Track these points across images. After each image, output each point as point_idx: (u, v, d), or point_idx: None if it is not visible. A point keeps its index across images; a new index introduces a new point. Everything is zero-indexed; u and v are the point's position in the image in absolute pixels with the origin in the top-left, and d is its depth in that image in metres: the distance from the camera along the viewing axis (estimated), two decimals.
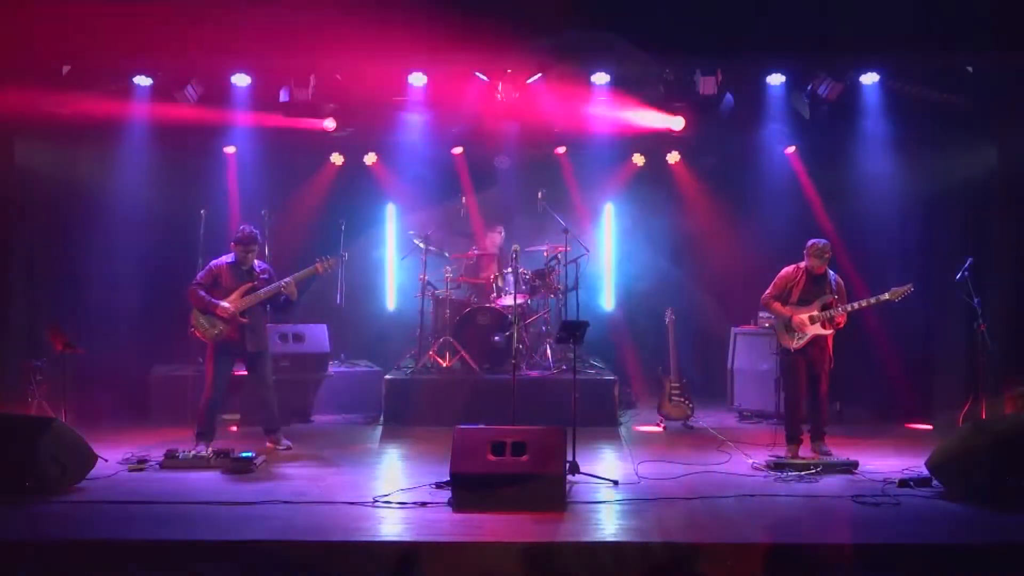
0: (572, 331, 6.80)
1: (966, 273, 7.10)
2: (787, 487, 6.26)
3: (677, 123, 9.33)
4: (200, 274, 7.36)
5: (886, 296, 6.89)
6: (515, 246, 8.92)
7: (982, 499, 5.85)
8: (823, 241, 7.13)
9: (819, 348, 7.05)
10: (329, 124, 9.46)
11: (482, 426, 6.14)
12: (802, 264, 7.20)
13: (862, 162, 9.35)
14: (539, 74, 8.26)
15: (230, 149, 9.80)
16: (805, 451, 7.15)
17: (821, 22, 7.02)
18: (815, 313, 7.01)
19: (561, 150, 10.52)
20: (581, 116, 9.54)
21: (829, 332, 6.99)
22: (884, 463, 6.90)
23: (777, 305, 7.18)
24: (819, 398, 7.12)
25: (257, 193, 9.73)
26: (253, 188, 9.81)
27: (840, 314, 6.97)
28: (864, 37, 7.11)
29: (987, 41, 6.96)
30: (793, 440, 7.20)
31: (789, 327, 7.10)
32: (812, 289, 7.12)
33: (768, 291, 7.28)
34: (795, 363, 7.19)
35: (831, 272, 7.17)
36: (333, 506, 5.74)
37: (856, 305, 6.94)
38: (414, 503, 5.76)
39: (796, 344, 7.08)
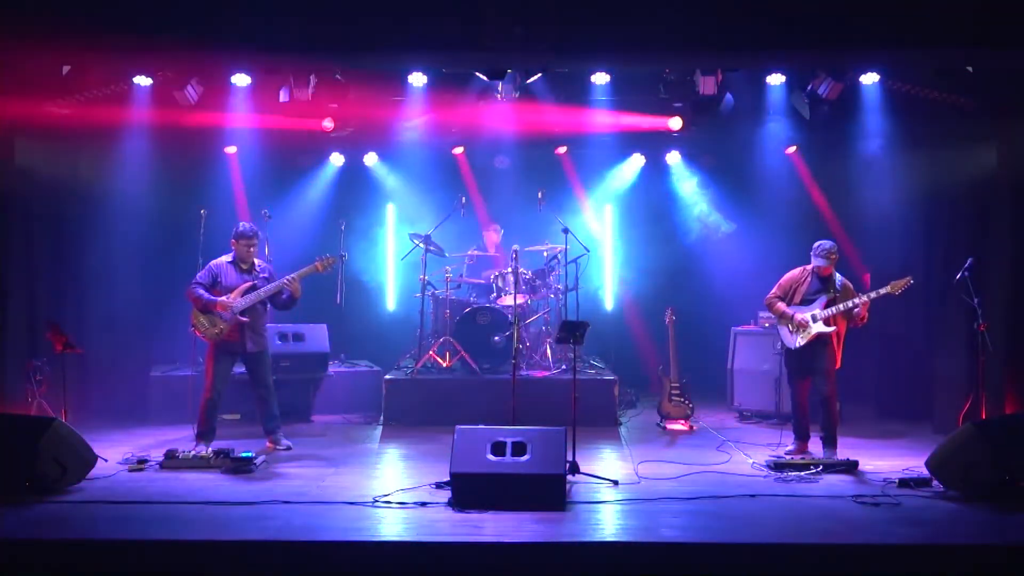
0: (572, 331, 6.79)
1: (966, 273, 7.08)
2: (787, 487, 6.27)
3: (675, 123, 9.35)
4: (200, 273, 7.35)
5: (886, 290, 6.87)
6: (515, 246, 8.94)
7: (982, 499, 5.86)
8: (830, 243, 7.13)
9: (822, 347, 7.02)
10: (327, 124, 9.45)
11: (482, 426, 6.14)
12: (809, 266, 7.20)
13: (862, 162, 9.36)
14: (539, 74, 8.25)
15: (230, 149, 9.79)
16: (815, 449, 7.14)
17: (821, 22, 7.00)
18: (817, 312, 7.01)
19: (561, 150, 10.52)
20: (581, 116, 9.54)
21: (831, 330, 6.99)
22: (884, 463, 6.90)
23: (780, 305, 7.19)
24: (825, 401, 7.06)
25: (257, 193, 9.73)
26: (253, 188, 9.80)
27: (865, 301, 6.84)
28: (864, 37, 7.09)
29: (985, 40, 6.93)
30: (800, 438, 7.23)
31: (792, 326, 7.10)
32: (817, 290, 7.11)
33: (772, 292, 7.30)
34: (798, 362, 7.20)
35: (837, 274, 7.14)
36: (333, 506, 5.74)
37: (858, 300, 6.92)
38: (414, 503, 5.76)
39: (799, 343, 7.08)
